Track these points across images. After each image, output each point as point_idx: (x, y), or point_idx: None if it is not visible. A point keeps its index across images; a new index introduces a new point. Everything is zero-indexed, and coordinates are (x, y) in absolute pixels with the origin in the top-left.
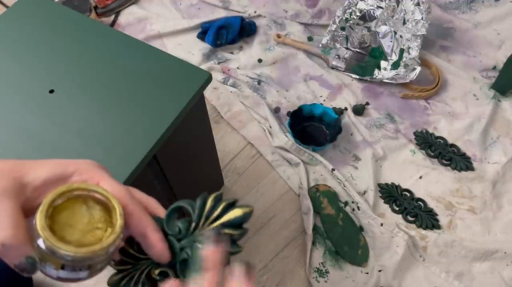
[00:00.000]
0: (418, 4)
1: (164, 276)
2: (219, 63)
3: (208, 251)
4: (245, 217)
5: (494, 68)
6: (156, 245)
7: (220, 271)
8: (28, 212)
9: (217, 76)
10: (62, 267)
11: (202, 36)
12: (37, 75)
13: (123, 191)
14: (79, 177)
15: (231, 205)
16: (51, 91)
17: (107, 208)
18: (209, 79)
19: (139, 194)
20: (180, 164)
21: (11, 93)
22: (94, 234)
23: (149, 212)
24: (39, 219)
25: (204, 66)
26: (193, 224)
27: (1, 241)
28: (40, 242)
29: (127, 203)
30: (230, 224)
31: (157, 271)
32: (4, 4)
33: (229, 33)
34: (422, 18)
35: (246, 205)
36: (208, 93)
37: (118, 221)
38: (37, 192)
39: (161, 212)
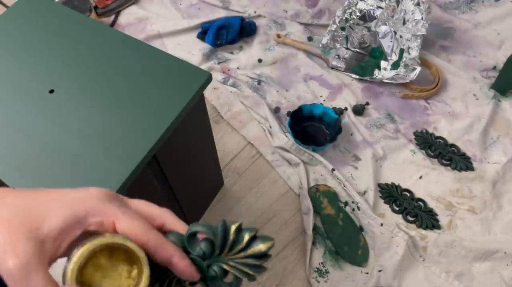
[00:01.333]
0: (418, 4)
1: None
2: (219, 63)
3: None
4: (270, 249)
5: (494, 68)
6: (185, 271)
7: None
8: (51, 259)
9: (217, 76)
10: None
11: (202, 36)
12: (37, 75)
13: (140, 227)
14: (94, 219)
15: (254, 238)
16: (51, 91)
17: (130, 255)
18: (209, 79)
19: (154, 210)
20: (180, 164)
21: (11, 93)
22: (118, 278)
23: (167, 229)
24: (71, 281)
25: (204, 66)
26: (218, 250)
27: None
28: None
29: (148, 239)
30: (255, 257)
31: (187, 283)
32: (4, 4)
33: (229, 33)
34: (422, 18)
35: (268, 238)
36: (208, 93)
37: (145, 272)
38: (56, 243)
39: (178, 225)
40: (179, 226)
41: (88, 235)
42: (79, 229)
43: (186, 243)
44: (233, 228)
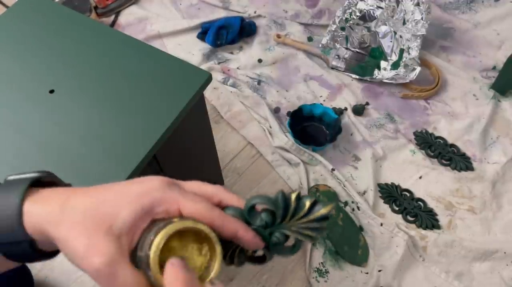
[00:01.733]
0: (418, 4)
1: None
2: (219, 63)
3: None
4: (330, 212)
5: (494, 68)
6: (251, 242)
7: None
8: (128, 252)
9: (217, 76)
10: None
11: (202, 36)
12: (37, 75)
13: (204, 208)
14: (160, 209)
15: (315, 203)
16: (51, 91)
17: (199, 237)
18: (209, 79)
19: (208, 188)
20: (180, 164)
21: (11, 93)
22: (191, 256)
23: (224, 205)
24: (154, 273)
25: (204, 66)
26: (279, 219)
27: None
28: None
29: (213, 219)
30: (317, 220)
31: (250, 251)
32: (4, 4)
33: (229, 33)
34: (422, 18)
35: (327, 203)
36: (208, 93)
37: (217, 249)
38: (129, 236)
39: (235, 200)
40: (235, 200)
41: (156, 221)
42: (148, 219)
43: (246, 216)
44: (293, 196)
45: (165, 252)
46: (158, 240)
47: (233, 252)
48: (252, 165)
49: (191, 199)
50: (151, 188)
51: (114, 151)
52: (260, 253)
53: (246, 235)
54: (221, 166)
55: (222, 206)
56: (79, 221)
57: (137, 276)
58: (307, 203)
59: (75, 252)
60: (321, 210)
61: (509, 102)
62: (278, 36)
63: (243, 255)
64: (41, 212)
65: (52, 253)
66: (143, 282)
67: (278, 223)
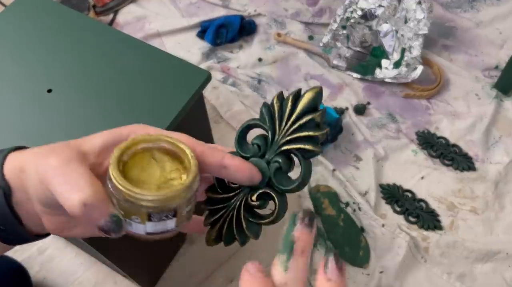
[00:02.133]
0: (419, 3)
1: (263, 198)
2: (218, 62)
3: (300, 233)
4: (319, 97)
5: (496, 67)
6: (241, 168)
7: (309, 256)
8: (94, 171)
9: (216, 76)
10: (149, 219)
11: (201, 35)
12: (35, 75)
13: (185, 136)
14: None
15: (298, 96)
16: (49, 91)
17: (175, 156)
18: (208, 78)
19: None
20: None
21: (8, 92)
22: (169, 185)
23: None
24: (113, 172)
25: (203, 65)
26: (270, 133)
27: (83, 201)
28: (120, 197)
29: (194, 145)
30: (307, 112)
31: (254, 197)
32: (2, 3)
33: (229, 32)
34: (423, 17)
35: (311, 89)
36: (207, 92)
37: (192, 161)
38: (100, 158)
39: (222, 149)
40: (222, 148)
41: None
42: None
43: (238, 149)
44: (274, 98)
45: (135, 169)
46: (116, 151)
47: (221, 226)
48: None
49: (170, 131)
50: (132, 125)
51: None
52: (257, 204)
53: (233, 161)
54: None
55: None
56: (52, 146)
57: (93, 180)
58: (290, 99)
59: (39, 165)
60: (304, 97)
61: None
62: (279, 34)
63: (234, 226)
64: (20, 156)
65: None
66: (100, 190)
67: (271, 142)
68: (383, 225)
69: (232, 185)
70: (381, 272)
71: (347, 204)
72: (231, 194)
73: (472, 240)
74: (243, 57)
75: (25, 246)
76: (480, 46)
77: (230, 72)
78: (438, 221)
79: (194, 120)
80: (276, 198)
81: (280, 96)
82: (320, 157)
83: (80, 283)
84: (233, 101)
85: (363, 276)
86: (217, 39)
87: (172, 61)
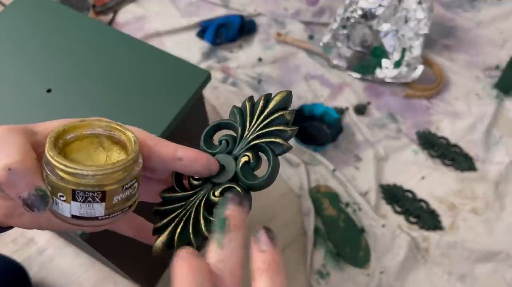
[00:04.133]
0: (420, 3)
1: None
2: (218, 62)
3: (231, 210)
4: (289, 98)
5: (497, 67)
6: (196, 157)
7: (244, 233)
8: (39, 158)
9: (216, 75)
10: (74, 197)
11: (201, 34)
12: (34, 74)
13: (138, 129)
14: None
15: (269, 97)
16: (49, 91)
17: (124, 147)
18: (208, 78)
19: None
20: None
21: (8, 92)
22: (100, 153)
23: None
24: (47, 143)
25: (203, 65)
26: (240, 130)
27: (8, 165)
28: (49, 170)
29: (146, 136)
30: (277, 110)
31: (217, 192)
32: (1, 3)
33: (229, 31)
34: (424, 17)
35: (282, 91)
36: (207, 92)
37: (133, 146)
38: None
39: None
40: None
41: None
42: None
43: (204, 146)
44: (246, 100)
45: (79, 158)
46: (60, 127)
47: (174, 228)
48: None
49: (128, 126)
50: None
51: None
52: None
53: (189, 152)
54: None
55: None
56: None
57: (27, 150)
58: (262, 99)
59: None
60: (275, 97)
61: None
62: (279, 34)
63: (191, 227)
64: None
65: None
66: (29, 160)
67: (239, 139)
68: (383, 226)
69: (194, 182)
70: (381, 272)
71: (347, 204)
72: (190, 192)
73: (473, 240)
74: (243, 57)
75: (25, 246)
76: (481, 46)
77: (230, 72)
78: (439, 221)
79: (194, 120)
80: (242, 193)
81: (251, 99)
82: (320, 157)
83: (79, 283)
84: (233, 101)
85: (363, 277)
86: (217, 39)
87: (172, 61)
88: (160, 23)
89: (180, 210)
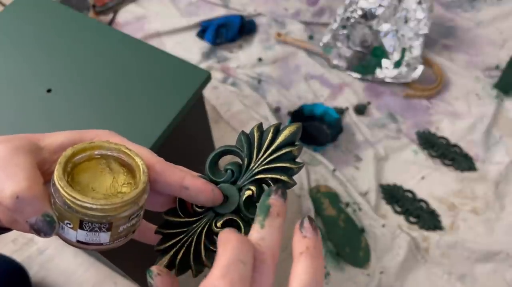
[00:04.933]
0: (420, 3)
1: (228, 226)
2: (218, 62)
3: (274, 199)
4: (297, 133)
5: (497, 67)
6: (203, 189)
7: (284, 221)
8: (45, 176)
9: (216, 75)
10: (81, 226)
11: (201, 34)
12: (34, 74)
13: (147, 151)
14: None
15: (278, 128)
16: (49, 91)
17: (131, 170)
18: (208, 78)
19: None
20: (180, 164)
21: (8, 92)
22: (114, 197)
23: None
24: (56, 170)
25: (203, 65)
26: (246, 160)
27: (16, 193)
28: (58, 198)
29: (154, 161)
30: (285, 145)
31: (219, 223)
32: (1, 3)
33: (229, 31)
34: (424, 17)
35: (292, 124)
36: (207, 92)
37: (142, 177)
38: (55, 156)
39: (186, 170)
40: (189, 171)
41: None
42: None
43: (209, 173)
44: (254, 128)
45: (84, 175)
46: (70, 150)
47: (176, 252)
48: None
49: (137, 145)
50: (98, 130)
51: None
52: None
53: (195, 181)
54: (221, 166)
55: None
56: (9, 136)
57: (34, 174)
58: (271, 130)
59: None
60: (285, 131)
61: None
62: (279, 34)
63: (192, 253)
64: None
65: None
66: (37, 186)
67: (245, 170)
68: (383, 226)
69: (197, 209)
70: (381, 272)
71: (347, 204)
72: (194, 219)
73: (473, 240)
74: (243, 57)
75: (25, 246)
76: (481, 46)
77: (230, 72)
78: (439, 221)
79: (194, 120)
80: (242, 227)
81: (261, 127)
82: (320, 157)
83: (79, 283)
84: (233, 101)
85: (363, 277)
86: (217, 39)
87: (172, 61)
88: (160, 23)
89: (182, 235)
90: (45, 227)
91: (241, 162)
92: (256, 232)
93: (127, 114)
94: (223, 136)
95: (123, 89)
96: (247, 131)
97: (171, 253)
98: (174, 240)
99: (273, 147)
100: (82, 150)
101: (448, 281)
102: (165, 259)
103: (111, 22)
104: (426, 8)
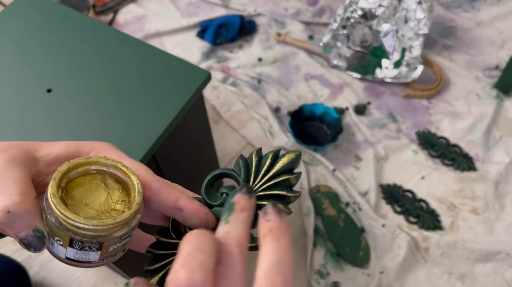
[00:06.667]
0: (420, 3)
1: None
2: (218, 62)
3: (237, 197)
4: (297, 160)
5: (497, 67)
6: (196, 211)
7: (250, 214)
8: (39, 188)
9: (216, 75)
10: (71, 244)
11: (201, 34)
12: (34, 74)
13: (144, 168)
14: (96, 155)
15: (277, 155)
16: (49, 91)
17: (126, 188)
18: (208, 78)
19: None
20: (179, 164)
21: (8, 92)
22: (110, 215)
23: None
24: (50, 186)
25: (203, 65)
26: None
27: (7, 208)
28: (49, 214)
29: (150, 180)
30: (283, 172)
31: None
32: (1, 3)
33: (229, 31)
34: (424, 17)
35: (291, 151)
36: (207, 92)
37: (137, 198)
38: (50, 168)
39: (182, 189)
40: (187, 192)
41: None
42: None
43: (204, 196)
44: (254, 153)
45: (78, 189)
46: (66, 165)
47: (165, 274)
48: None
49: (134, 160)
50: (96, 142)
51: None
52: None
53: (190, 204)
54: (220, 166)
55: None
56: (6, 143)
57: (27, 188)
58: (270, 156)
59: None
60: (282, 159)
61: None
62: (279, 34)
63: None
64: None
65: None
66: (29, 200)
67: None
68: (383, 225)
69: (190, 230)
70: (381, 272)
71: (347, 204)
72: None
73: (473, 240)
74: (243, 57)
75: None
76: (481, 46)
77: (230, 72)
78: (439, 221)
79: (194, 120)
80: None
81: (259, 152)
82: (320, 157)
83: (79, 283)
84: (233, 101)
85: (363, 277)
86: (217, 39)
87: (172, 61)
88: (160, 23)
89: (173, 258)
90: (35, 242)
91: (236, 181)
92: (221, 228)
93: (127, 114)
94: (223, 136)
95: (123, 89)
96: (247, 131)
97: (160, 274)
98: (164, 262)
99: (271, 173)
100: (78, 165)
101: (448, 281)
102: (154, 281)
103: (111, 22)
104: (426, 8)
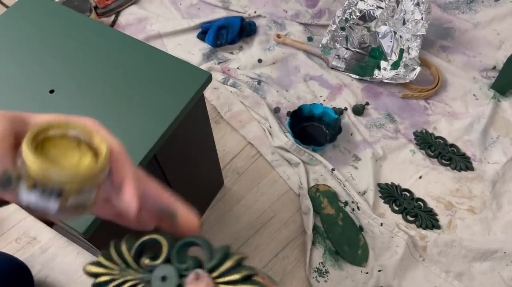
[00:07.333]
0: (418, 4)
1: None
2: (219, 63)
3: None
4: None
5: (494, 68)
6: (127, 194)
7: None
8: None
9: (217, 76)
10: (33, 188)
11: (202, 36)
12: (37, 75)
13: (117, 143)
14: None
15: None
16: (51, 91)
17: (97, 156)
18: (209, 79)
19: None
20: (180, 164)
21: (11, 93)
22: (77, 152)
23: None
24: (27, 135)
25: (204, 66)
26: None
27: None
28: (19, 157)
29: (117, 150)
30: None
31: None
32: (4, 4)
33: (229, 33)
34: (422, 18)
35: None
36: (208, 93)
37: (104, 152)
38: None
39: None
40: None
41: None
42: None
43: (174, 254)
44: (235, 258)
45: (54, 154)
46: (46, 123)
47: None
48: (252, 165)
49: (114, 137)
50: (83, 117)
51: None
52: None
53: (129, 186)
54: (221, 166)
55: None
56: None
57: (4, 133)
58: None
59: None
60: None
61: (509, 102)
62: (278, 36)
63: None
64: None
65: None
66: (5, 144)
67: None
68: (381, 224)
69: (147, 262)
70: (379, 270)
71: (346, 203)
72: (141, 270)
73: (470, 239)
74: (243, 58)
75: (28, 245)
76: (478, 47)
77: (230, 73)
78: (436, 220)
79: (195, 120)
80: None
81: (239, 261)
82: (319, 157)
83: (82, 281)
84: (233, 102)
85: (361, 275)
86: (217, 40)
87: (173, 62)
88: (161, 24)
89: (117, 275)
90: (1, 183)
91: (201, 265)
92: None
93: (128, 114)
94: (224, 136)
95: (125, 90)
96: (247, 131)
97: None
98: (109, 277)
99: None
100: (57, 125)
101: (445, 279)
102: None
103: (112, 23)
104: (424, 10)
